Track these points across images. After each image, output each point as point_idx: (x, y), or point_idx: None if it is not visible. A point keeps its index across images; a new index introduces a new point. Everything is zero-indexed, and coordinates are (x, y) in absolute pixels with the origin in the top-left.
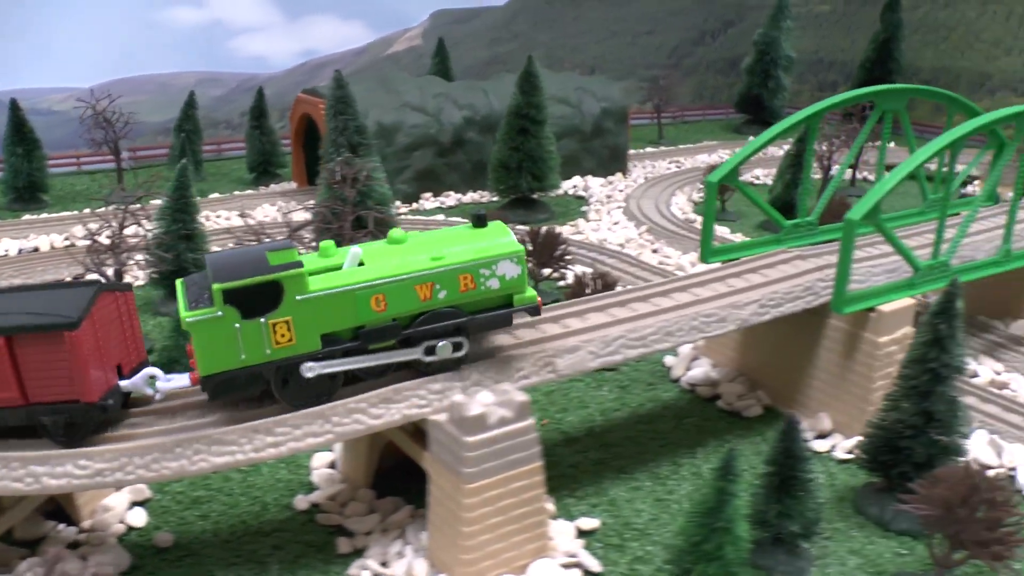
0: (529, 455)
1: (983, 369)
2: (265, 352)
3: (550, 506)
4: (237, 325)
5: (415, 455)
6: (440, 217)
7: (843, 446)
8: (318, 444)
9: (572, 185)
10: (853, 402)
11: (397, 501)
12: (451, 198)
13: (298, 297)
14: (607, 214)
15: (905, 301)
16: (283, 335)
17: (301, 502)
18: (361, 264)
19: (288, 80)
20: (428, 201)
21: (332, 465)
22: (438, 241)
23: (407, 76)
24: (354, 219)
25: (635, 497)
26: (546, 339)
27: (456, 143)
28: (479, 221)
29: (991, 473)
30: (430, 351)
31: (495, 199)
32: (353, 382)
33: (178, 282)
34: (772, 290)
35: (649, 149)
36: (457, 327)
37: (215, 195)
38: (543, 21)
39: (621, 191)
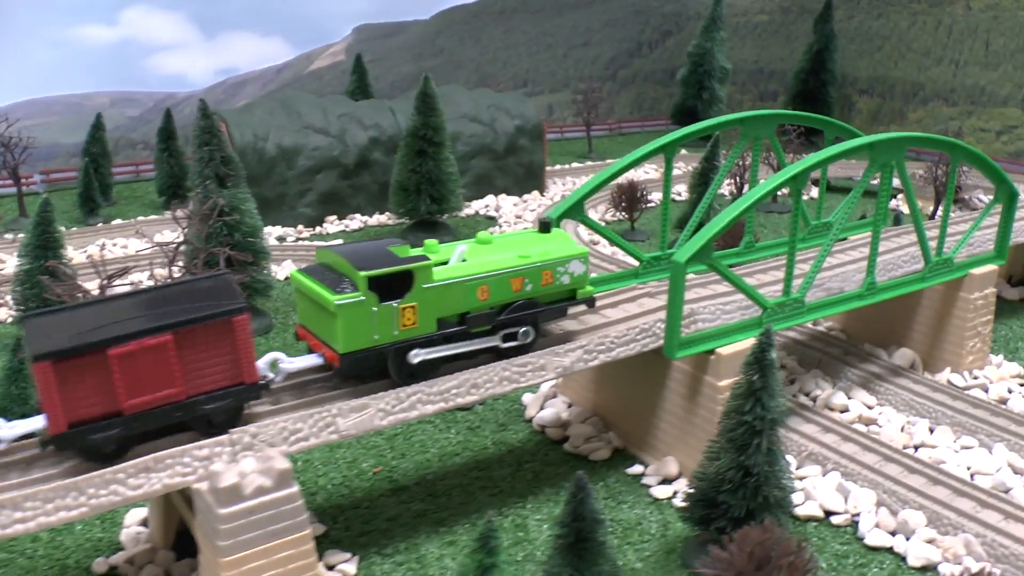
0: (294, 524)
1: (854, 403)
2: (393, 333)
3: (350, 567)
4: (375, 308)
5: (189, 522)
6: (339, 241)
7: (684, 493)
8: (72, 518)
9: (484, 205)
10: (698, 447)
11: (194, 563)
12: (356, 221)
13: (424, 285)
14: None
15: (748, 342)
16: (409, 318)
17: (100, 565)
18: (464, 260)
19: (208, 98)
20: (332, 224)
21: (145, 522)
22: (517, 242)
23: (312, 97)
24: (208, 255)
25: (447, 553)
26: (332, 396)
27: (361, 164)
28: (544, 227)
29: (831, 516)
30: (508, 338)
31: (402, 221)
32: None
33: (297, 273)
34: (604, 333)
35: (575, 165)
36: (533, 316)
37: (118, 221)
38: (470, 35)
39: (533, 210)
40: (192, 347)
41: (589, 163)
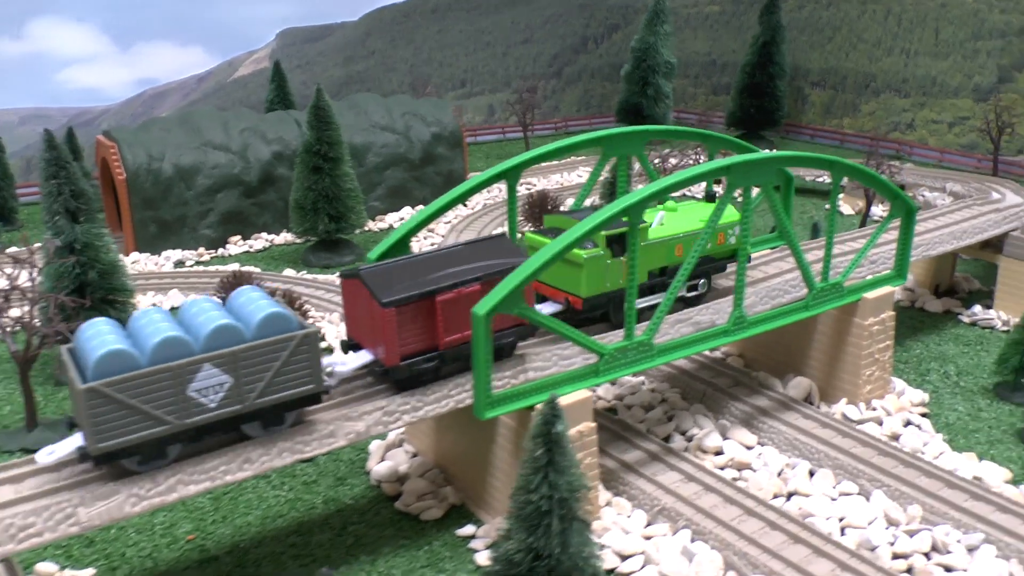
0: None
1: (731, 445)
2: (619, 282)
3: None
4: (608, 262)
5: None
6: (235, 266)
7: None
8: None
9: (399, 218)
10: None
11: None
12: (261, 240)
13: (642, 243)
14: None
15: (581, 393)
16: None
17: None
18: (663, 224)
19: (126, 112)
20: (236, 245)
21: None
22: (694, 209)
23: (214, 111)
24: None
25: None
26: (77, 483)
27: (265, 181)
28: (710, 198)
29: None
30: (691, 288)
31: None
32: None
33: (531, 234)
34: (412, 391)
35: None
36: (710, 269)
37: (13, 249)
38: (402, 36)
39: (448, 222)
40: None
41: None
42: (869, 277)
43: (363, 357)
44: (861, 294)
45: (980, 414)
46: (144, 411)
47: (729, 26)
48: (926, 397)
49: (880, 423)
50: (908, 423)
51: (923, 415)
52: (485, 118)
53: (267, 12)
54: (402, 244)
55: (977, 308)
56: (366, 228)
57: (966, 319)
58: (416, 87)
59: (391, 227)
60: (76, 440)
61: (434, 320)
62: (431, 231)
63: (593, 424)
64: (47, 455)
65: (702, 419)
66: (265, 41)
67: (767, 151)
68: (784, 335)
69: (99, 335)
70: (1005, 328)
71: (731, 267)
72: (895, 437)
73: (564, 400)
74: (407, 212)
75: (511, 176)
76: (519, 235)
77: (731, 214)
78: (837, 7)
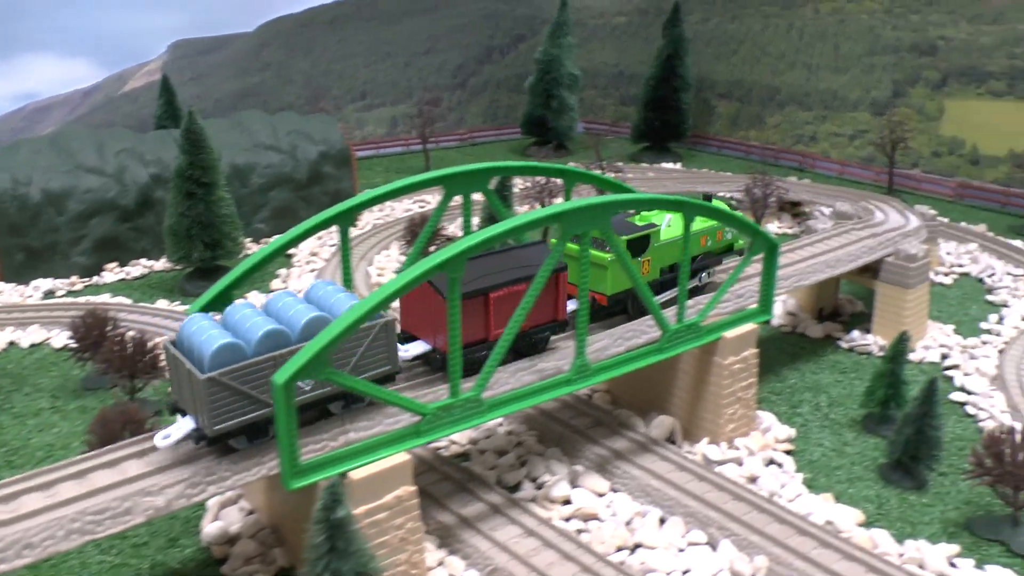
0: None
1: (580, 493)
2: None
3: None
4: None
5: None
6: (107, 296)
7: None
8: None
9: None
10: None
11: None
12: (139, 267)
13: (655, 244)
14: (298, 278)
15: (399, 457)
16: (645, 269)
17: None
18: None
19: (5, 128)
20: (112, 272)
21: None
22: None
23: (88, 131)
24: None
25: None
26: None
27: (143, 205)
28: (708, 199)
29: None
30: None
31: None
32: None
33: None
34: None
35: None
36: (710, 263)
37: None
38: (300, 47)
39: (332, 245)
40: (554, 287)
41: None
42: (734, 313)
43: (421, 346)
44: (720, 333)
45: (845, 449)
46: (252, 396)
47: (636, 37)
48: (793, 432)
49: (740, 463)
50: (771, 462)
51: (788, 452)
52: (388, 130)
53: (158, 22)
54: (225, 295)
55: (856, 333)
56: (247, 252)
57: (845, 344)
58: (315, 99)
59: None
60: (188, 423)
61: (487, 314)
62: (315, 255)
63: (413, 488)
64: (163, 439)
65: (556, 464)
66: (157, 53)
67: (603, 196)
68: (649, 372)
69: (203, 330)
70: (881, 354)
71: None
72: (753, 479)
73: (360, 473)
74: None
75: (343, 220)
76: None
77: (728, 213)
78: (741, 20)
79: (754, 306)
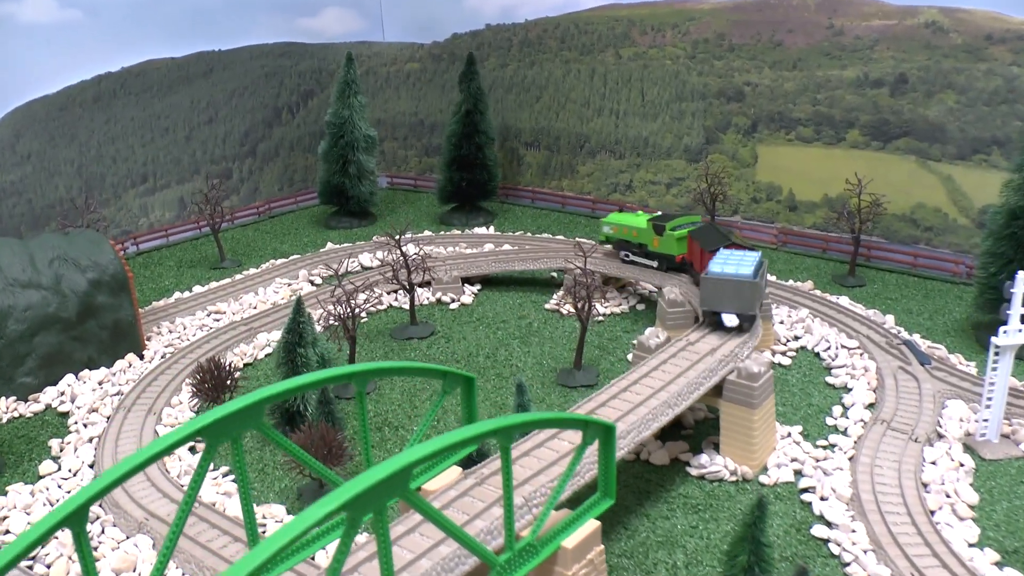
0: None
1: None
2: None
3: None
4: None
5: None
6: None
7: None
8: None
9: (59, 394)
10: None
11: None
12: None
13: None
14: (75, 455)
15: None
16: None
17: None
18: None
19: None
20: None
21: None
22: (639, 216)
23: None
24: None
25: None
26: None
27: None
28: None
29: None
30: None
31: None
32: None
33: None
34: None
35: (197, 289)
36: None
37: None
38: (62, 133)
39: (115, 394)
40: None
41: (217, 283)
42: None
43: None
44: (558, 542)
45: None
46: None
47: (432, 84)
48: None
49: None
50: None
51: None
52: (177, 213)
53: None
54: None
55: (704, 458)
56: (14, 415)
57: (694, 471)
58: (91, 190)
59: (47, 410)
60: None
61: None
62: (95, 410)
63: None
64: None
65: None
66: None
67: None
68: None
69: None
70: (734, 478)
71: None
72: None
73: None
74: (69, 381)
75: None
76: None
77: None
78: (540, 66)
79: (593, 496)
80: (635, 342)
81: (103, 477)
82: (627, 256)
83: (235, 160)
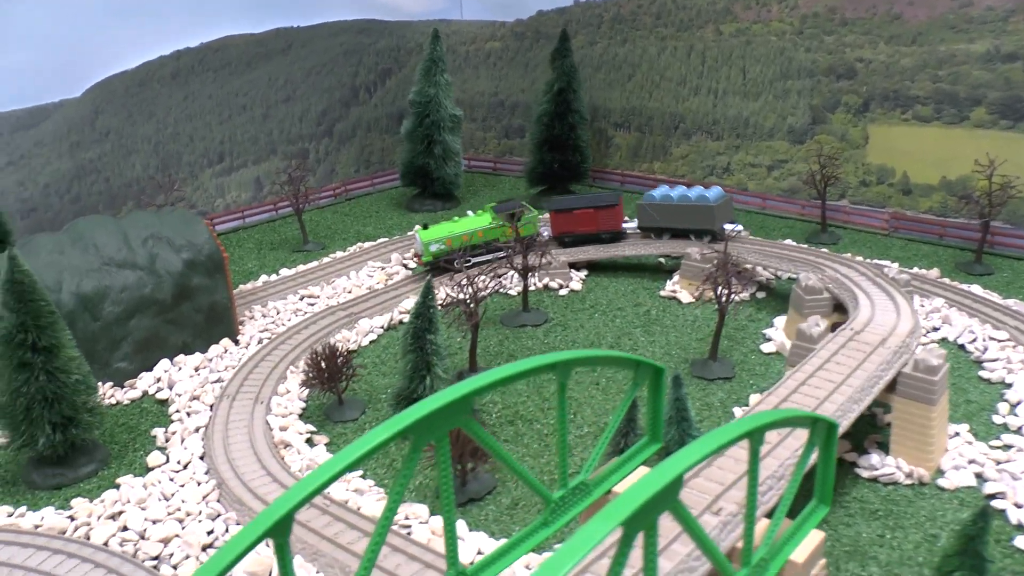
0: None
1: None
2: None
3: None
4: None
5: None
6: None
7: None
8: None
9: (155, 380)
10: None
11: None
12: None
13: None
14: (183, 446)
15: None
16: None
17: None
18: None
19: None
20: None
21: None
22: (480, 216)
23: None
24: None
25: None
26: None
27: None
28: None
29: None
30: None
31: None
32: None
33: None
34: None
35: (284, 272)
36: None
37: None
38: (140, 109)
39: (216, 382)
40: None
41: (304, 266)
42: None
43: None
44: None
45: None
46: None
47: (514, 63)
48: None
49: None
50: None
51: None
52: (253, 194)
53: None
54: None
55: (875, 458)
56: (112, 400)
57: (864, 473)
58: (167, 169)
59: (144, 394)
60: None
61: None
62: (197, 398)
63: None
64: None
65: None
66: None
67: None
68: None
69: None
70: (909, 481)
71: None
72: None
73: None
74: (163, 369)
75: (279, 533)
76: None
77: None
78: (633, 43)
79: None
80: (798, 328)
81: (304, 484)
82: (467, 261)
83: (311, 140)
